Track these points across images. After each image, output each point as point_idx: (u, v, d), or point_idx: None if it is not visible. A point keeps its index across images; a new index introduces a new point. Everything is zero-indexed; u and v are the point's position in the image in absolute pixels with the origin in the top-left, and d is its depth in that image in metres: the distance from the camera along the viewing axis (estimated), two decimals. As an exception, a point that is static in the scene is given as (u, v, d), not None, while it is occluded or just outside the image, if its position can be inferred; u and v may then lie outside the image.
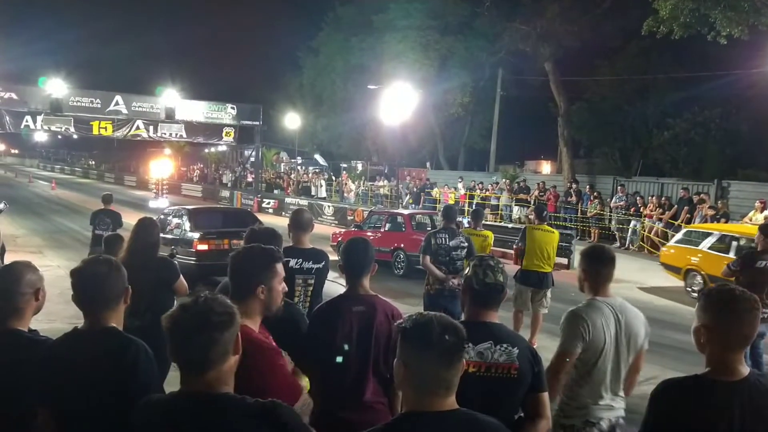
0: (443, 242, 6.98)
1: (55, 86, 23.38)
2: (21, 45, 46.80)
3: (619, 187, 20.52)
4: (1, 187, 34.38)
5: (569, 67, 26.60)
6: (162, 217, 12.00)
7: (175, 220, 11.78)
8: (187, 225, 11.30)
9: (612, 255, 3.47)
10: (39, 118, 24.11)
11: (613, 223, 19.92)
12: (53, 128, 25.32)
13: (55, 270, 11.43)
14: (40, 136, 47.81)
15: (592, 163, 30.87)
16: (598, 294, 3.36)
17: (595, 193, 21.17)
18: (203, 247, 10.73)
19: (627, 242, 18.97)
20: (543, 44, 25.52)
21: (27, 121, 24.03)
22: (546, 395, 2.75)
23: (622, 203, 19.62)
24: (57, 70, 24.49)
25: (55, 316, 6.87)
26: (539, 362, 2.75)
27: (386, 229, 14.43)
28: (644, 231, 18.40)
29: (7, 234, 12.93)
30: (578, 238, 18.59)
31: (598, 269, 3.39)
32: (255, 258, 2.58)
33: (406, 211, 16.58)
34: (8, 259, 6.90)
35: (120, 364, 2.30)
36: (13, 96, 23.01)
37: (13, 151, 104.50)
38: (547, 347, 7.93)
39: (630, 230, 18.98)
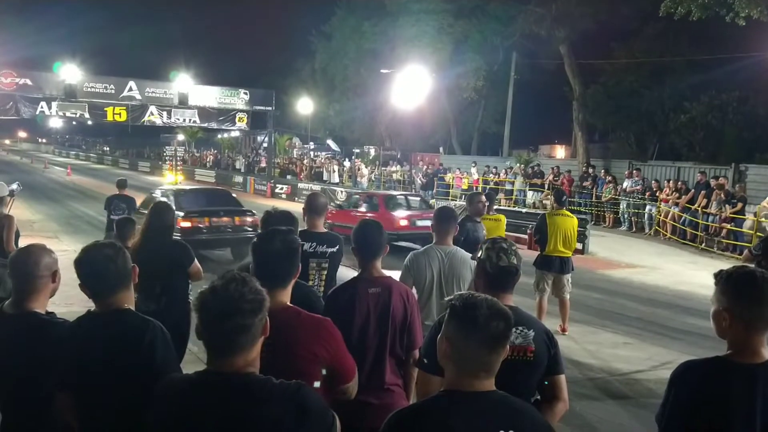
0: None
1: (70, 72, 23.49)
2: (35, 31, 47.06)
3: (634, 171, 20.31)
4: (17, 173, 34.70)
5: (584, 50, 26.29)
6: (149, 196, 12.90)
7: (157, 197, 12.44)
8: (167, 198, 12.11)
9: None
10: (54, 104, 24.27)
11: (622, 206, 19.75)
12: (68, 114, 25.49)
13: (71, 255, 11.47)
14: (55, 122, 48.05)
15: (607, 147, 30.61)
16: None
17: (609, 178, 20.98)
18: (186, 224, 11.51)
19: (645, 227, 18.83)
20: (558, 27, 25.20)
21: (42, 107, 24.19)
22: (563, 378, 2.75)
23: (638, 187, 19.44)
24: (71, 55, 24.62)
25: (72, 300, 6.89)
26: (555, 345, 2.74)
27: (363, 208, 15.24)
28: (660, 215, 18.23)
29: (24, 219, 13.05)
30: (593, 223, 18.48)
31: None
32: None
33: (380, 192, 18.31)
34: (24, 243, 6.94)
35: (137, 345, 2.31)
36: (28, 82, 23.15)
37: (23, 136, 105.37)
38: (569, 335, 7.91)
39: (646, 215, 18.82)
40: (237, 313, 1.79)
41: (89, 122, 29.05)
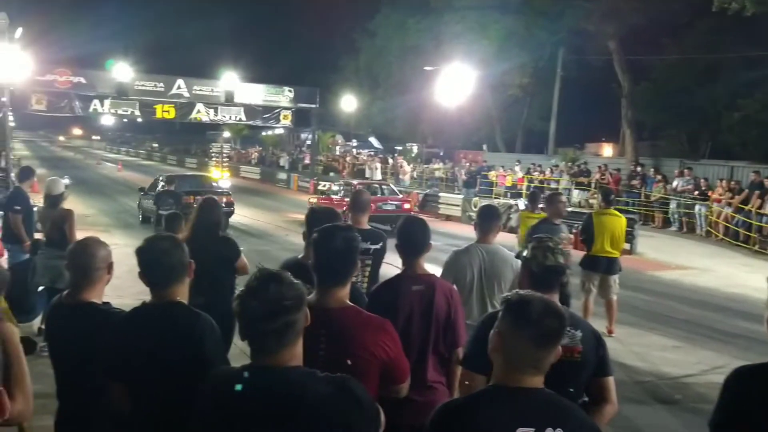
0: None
1: (121, 71, 24.11)
2: (87, 30, 48.42)
3: (685, 170, 19.74)
4: (71, 169, 35.87)
5: (634, 45, 25.64)
6: (155, 181, 17.68)
7: (160, 182, 16.44)
8: (164, 183, 15.97)
9: None
10: (106, 102, 24.97)
11: (672, 206, 19.23)
12: (119, 112, 26.18)
13: (122, 248, 11.80)
14: (107, 120, 49.48)
15: (657, 145, 29.79)
16: None
17: (659, 177, 20.45)
18: None
19: (697, 228, 18.30)
20: (607, 22, 24.68)
21: (95, 105, 24.92)
22: (611, 380, 2.70)
23: (689, 187, 18.89)
24: (123, 54, 25.27)
25: (123, 291, 7.09)
26: (603, 346, 2.70)
27: (341, 195, 18.06)
28: (712, 216, 17.69)
29: (78, 214, 13.46)
30: (641, 222, 18.05)
31: None
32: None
33: (355, 181, 21.31)
34: (79, 237, 7.19)
35: (188, 337, 2.36)
36: (82, 80, 23.84)
37: (78, 133, 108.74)
38: (616, 337, 7.73)
39: (697, 215, 18.29)
40: (281, 312, 1.80)
41: (139, 120, 29.78)
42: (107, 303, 2.75)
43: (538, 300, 1.89)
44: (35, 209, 7.89)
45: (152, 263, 2.49)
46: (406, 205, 17.61)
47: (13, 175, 17.88)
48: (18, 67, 18.02)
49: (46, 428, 2.86)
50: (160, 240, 2.58)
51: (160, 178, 17.10)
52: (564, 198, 6.92)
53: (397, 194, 18.85)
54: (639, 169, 21.77)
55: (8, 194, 8.95)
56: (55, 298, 2.85)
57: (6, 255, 8.03)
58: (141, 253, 2.52)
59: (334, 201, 17.16)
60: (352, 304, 2.44)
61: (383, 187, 19.50)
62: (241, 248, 5.17)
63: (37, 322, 6.70)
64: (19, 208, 7.55)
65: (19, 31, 17.81)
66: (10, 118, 20.32)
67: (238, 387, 1.81)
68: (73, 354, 2.63)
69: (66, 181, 7.90)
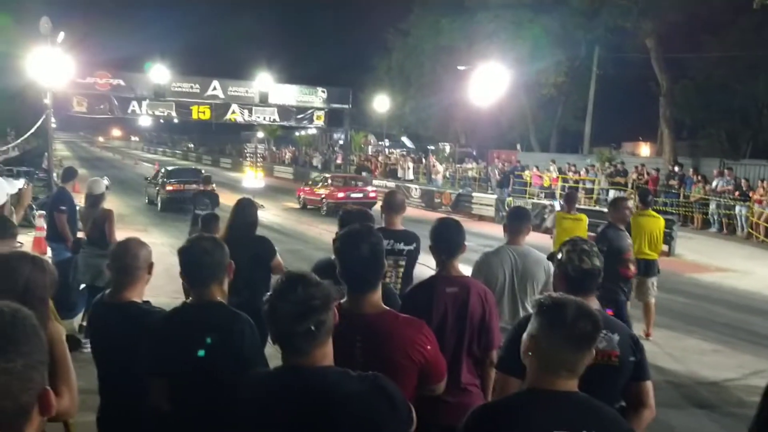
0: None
1: (158, 73, 24.56)
2: (126, 34, 49.45)
3: (726, 170, 19.27)
4: (109, 169, 36.69)
5: (673, 43, 25.11)
6: (155, 171, 23.85)
7: (160, 172, 22.67)
8: (164, 175, 22.04)
9: None
10: (144, 104, 25.46)
11: (712, 206, 18.78)
12: (156, 113, 26.68)
13: (159, 247, 12.07)
14: (144, 120, 50.43)
15: (696, 145, 29.16)
16: None
17: (698, 177, 20.00)
18: (170, 188, 20.96)
19: (737, 229, 17.86)
20: (644, 19, 24.23)
21: (133, 106, 25.44)
22: (649, 384, 2.66)
23: (729, 187, 18.44)
24: (160, 56, 25.68)
25: (160, 290, 7.24)
26: (641, 350, 2.66)
27: (319, 185, 22.99)
28: (753, 217, 17.24)
29: (116, 213, 13.81)
30: (680, 223, 17.69)
31: None
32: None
33: (330, 175, 25.22)
34: (118, 236, 7.37)
35: (227, 338, 2.41)
36: (121, 83, 24.36)
37: (118, 134, 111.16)
38: (654, 340, 7.59)
39: (737, 216, 17.84)
40: (311, 313, 1.82)
41: (175, 120, 30.30)
42: (147, 302, 2.82)
43: (571, 302, 1.88)
44: (77, 209, 8.10)
45: (194, 263, 2.54)
46: (371, 193, 22.18)
47: (55, 175, 18.38)
48: (60, 70, 18.48)
49: (87, 424, 2.93)
50: (203, 240, 2.63)
51: (161, 170, 23.02)
52: (630, 203, 6.39)
53: (367, 187, 23.23)
54: (677, 169, 21.30)
55: (53, 194, 9.21)
56: (98, 296, 2.92)
57: (50, 253, 8.27)
58: (183, 252, 2.57)
59: (314, 191, 22.95)
60: (387, 308, 2.41)
61: (357, 181, 24.27)
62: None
63: (78, 319, 6.88)
64: (64, 208, 7.78)
65: (62, 35, 18.25)
66: (52, 119, 20.82)
67: (273, 387, 1.83)
68: (115, 352, 2.70)
69: (105, 182, 8.12)
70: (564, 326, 1.83)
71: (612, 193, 22.22)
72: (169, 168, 23.68)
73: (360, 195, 21.54)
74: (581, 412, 1.81)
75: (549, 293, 1.99)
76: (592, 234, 6.93)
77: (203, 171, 21.45)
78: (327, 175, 24.69)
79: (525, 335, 1.93)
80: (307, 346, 1.84)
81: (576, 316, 1.83)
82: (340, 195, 21.27)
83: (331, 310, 1.89)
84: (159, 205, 21.43)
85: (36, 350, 1.15)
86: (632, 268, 6.02)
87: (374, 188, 23.26)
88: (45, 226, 9.24)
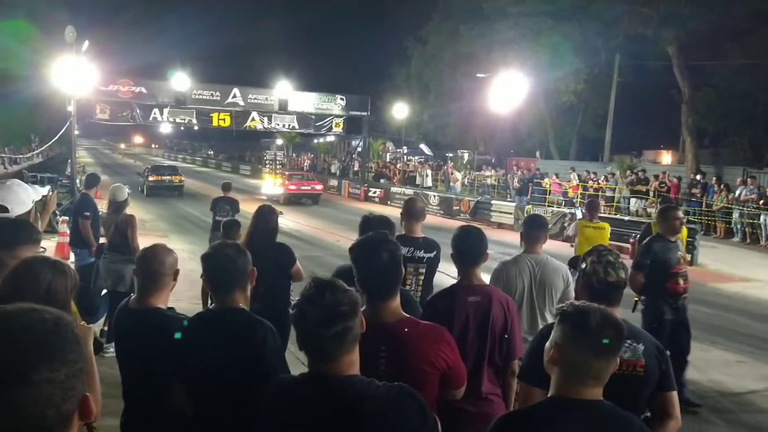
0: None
1: (180, 81, 24.87)
2: (148, 42, 50.10)
3: (749, 179, 18.99)
4: (131, 176, 37.06)
5: (694, 50, 24.86)
6: (143, 170, 31.12)
7: (146, 168, 30.45)
8: (148, 169, 30.14)
9: None
10: (165, 111, 25.80)
11: (735, 216, 18.51)
12: (177, 120, 27.01)
13: (179, 253, 12.13)
14: (165, 128, 51.03)
15: (718, 153, 28.79)
16: None
17: (722, 185, 19.73)
18: (153, 179, 28.52)
19: (761, 238, 17.59)
20: (666, 27, 24.03)
21: (155, 114, 25.78)
22: (675, 394, 2.62)
23: (753, 196, 18.17)
24: (181, 64, 26.03)
25: (180, 296, 7.31)
26: (666, 360, 2.62)
27: (296, 180, 28.15)
28: (777, 227, 16.98)
29: (137, 219, 14.01)
30: (702, 233, 17.46)
31: None
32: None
33: (288, 173, 30.63)
34: (142, 243, 7.45)
35: (248, 344, 2.42)
36: (143, 90, 24.70)
37: (140, 141, 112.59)
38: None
39: (762, 225, 17.57)
40: (339, 318, 1.82)
41: (196, 127, 30.65)
42: (172, 308, 2.84)
43: (595, 310, 1.87)
44: (100, 214, 8.20)
45: (217, 269, 2.56)
46: (318, 187, 28.12)
47: (78, 181, 18.62)
48: (84, 78, 18.77)
49: (111, 428, 2.95)
50: (226, 247, 2.64)
51: (146, 167, 31.72)
52: (681, 213, 5.83)
53: (314, 182, 28.95)
54: (700, 177, 21.04)
55: (76, 201, 9.33)
56: (123, 302, 2.95)
57: (73, 257, 8.38)
58: (207, 259, 2.60)
59: (275, 185, 28.66)
60: (407, 315, 2.40)
61: (307, 175, 31.65)
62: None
63: (99, 324, 6.95)
64: (88, 213, 7.89)
65: (86, 44, 18.55)
66: (75, 126, 21.14)
67: (299, 395, 1.83)
68: (139, 357, 2.72)
69: (126, 189, 8.22)
70: (588, 334, 1.82)
71: (633, 202, 22.02)
72: (149, 166, 32.88)
73: (308, 188, 27.59)
74: (608, 421, 1.80)
75: (571, 301, 1.98)
76: (614, 243, 6.87)
77: (179, 169, 31.41)
78: (287, 173, 30.92)
79: (548, 343, 1.92)
80: (335, 352, 1.83)
81: (600, 325, 1.83)
82: (293, 187, 27.01)
83: (358, 317, 1.89)
84: (144, 191, 27.72)
85: (78, 358, 1.14)
86: (682, 282, 5.55)
87: (317, 182, 29.33)
88: (68, 232, 9.36)
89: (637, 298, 5.66)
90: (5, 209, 3.30)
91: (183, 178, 29.54)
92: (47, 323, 1.13)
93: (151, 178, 28.49)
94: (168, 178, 28.92)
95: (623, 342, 1.91)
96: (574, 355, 1.83)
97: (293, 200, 26.15)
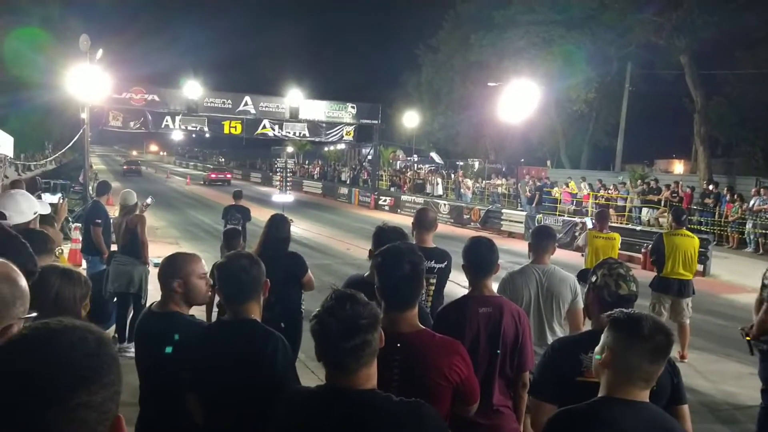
0: None
1: (192, 89, 25.04)
2: (160, 51, 50.60)
3: (762, 189, 18.84)
4: (143, 182, 37.34)
5: (707, 59, 24.84)
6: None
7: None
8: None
9: None
10: (177, 119, 25.96)
11: (748, 226, 18.35)
12: (189, 127, 27.18)
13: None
14: (177, 135, 51.42)
15: (731, 162, 28.64)
16: None
17: (735, 195, 19.58)
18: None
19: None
20: (678, 36, 23.96)
21: (167, 121, 25.95)
22: (686, 408, 2.61)
23: (766, 206, 18.02)
24: (193, 72, 26.26)
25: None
26: (678, 373, 2.61)
27: (215, 171, 48.67)
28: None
29: (148, 226, 14.10)
30: (715, 243, 17.32)
31: None
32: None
33: (211, 167, 51.55)
34: (151, 249, 7.50)
35: (260, 355, 2.42)
36: (156, 98, 24.88)
37: (154, 149, 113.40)
38: (689, 362, 7.42)
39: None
40: (359, 331, 1.82)
41: (207, 135, 30.84)
42: (192, 315, 2.85)
43: (647, 317, 1.98)
44: (111, 221, 8.27)
45: (230, 279, 2.55)
46: (228, 175, 47.14)
47: (90, 188, 18.77)
48: (98, 86, 18.94)
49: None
50: (240, 257, 2.64)
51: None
52: None
53: (227, 173, 46.16)
54: (712, 187, 20.89)
55: (88, 208, 9.39)
56: (147, 307, 2.97)
57: (85, 264, 8.43)
58: (220, 268, 2.59)
59: (210, 176, 46.22)
60: (423, 326, 2.40)
61: (222, 169, 48.72)
62: None
63: (111, 330, 6.99)
64: (99, 221, 7.96)
65: (100, 52, 18.73)
66: (88, 134, 21.33)
67: (314, 408, 1.83)
68: (158, 363, 2.73)
69: (149, 201, 8.29)
70: (642, 339, 1.93)
71: (644, 212, 21.88)
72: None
73: (222, 176, 46.99)
74: (655, 422, 1.92)
75: (620, 309, 2.08)
76: (625, 253, 6.83)
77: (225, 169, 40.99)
78: (210, 167, 51.18)
79: (599, 347, 2.02)
80: (353, 365, 1.83)
81: (653, 330, 1.94)
82: (213, 176, 46.61)
83: (378, 332, 1.88)
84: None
85: (116, 380, 1.11)
86: None
87: (227, 172, 49.47)
88: (80, 239, 9.43)
89: (749, 338, 4.61)
90: (3, 216, 3.30)
91: (231, 175, 48.03)
92: (89, 344, 1.09)
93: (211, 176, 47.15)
94: (221, 176, 47.80)
95: (672, 346, 2.00)
96: (629, 360, 1.93)
97: (212, 183, 44.56)
